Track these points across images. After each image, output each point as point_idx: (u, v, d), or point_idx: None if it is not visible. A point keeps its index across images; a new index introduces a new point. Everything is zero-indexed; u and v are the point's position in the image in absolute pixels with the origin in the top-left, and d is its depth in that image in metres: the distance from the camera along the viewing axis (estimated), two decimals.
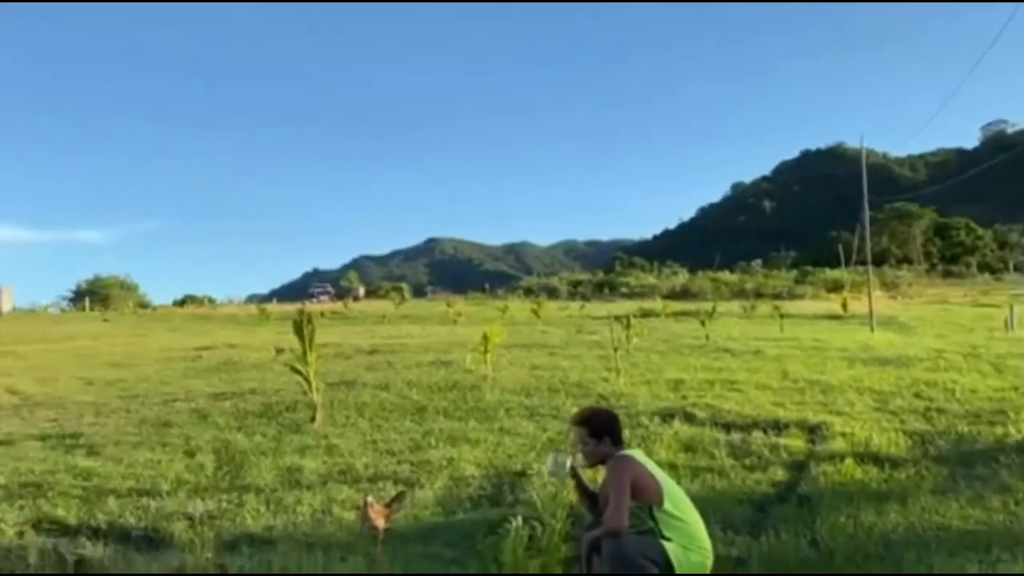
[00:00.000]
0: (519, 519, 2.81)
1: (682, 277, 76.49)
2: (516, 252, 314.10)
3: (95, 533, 5.23)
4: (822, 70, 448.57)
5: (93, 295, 61.28)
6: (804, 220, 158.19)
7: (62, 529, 5.36)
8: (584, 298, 60.31)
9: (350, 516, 5.43)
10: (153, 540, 5.09)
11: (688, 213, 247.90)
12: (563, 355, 14.99)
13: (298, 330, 8.84)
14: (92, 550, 4.86)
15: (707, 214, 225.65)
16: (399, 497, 5.04)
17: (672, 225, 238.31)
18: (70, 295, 64.74)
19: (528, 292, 70.04)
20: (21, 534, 5.25)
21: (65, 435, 8.44)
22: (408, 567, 4.32)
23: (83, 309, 55.49)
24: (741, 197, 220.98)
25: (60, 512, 5.66)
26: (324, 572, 4.24)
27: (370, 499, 4.85)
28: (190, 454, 7.37)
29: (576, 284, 78.90)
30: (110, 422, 9.22)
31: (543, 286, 73.58)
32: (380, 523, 4.74)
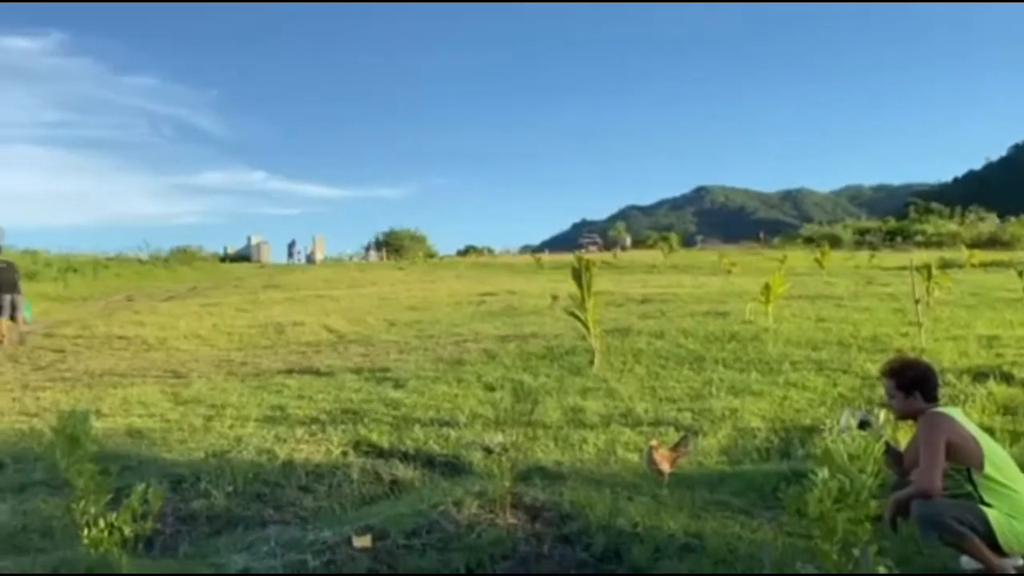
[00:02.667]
0: (825, 471, 2.66)
1: (990, 224, 67.76)
2: (793, 199, 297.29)
3: (405, 457, 5.81)
4: None
5: (388, 246, 67.32)
6: None
7: (377, 451, 6.01)
8: (872, 247, 55.64)
9: (634, 458, 5.53)
10: (455, 466, 5.55)
11: (997, 151, 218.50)
12: (852, 307, 13.98)
13: (576, 277, 9.07)
14: (404, 472, 5.40)
15: (1022, 151, 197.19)
16: (684, 442, 5.04)
17: (977, 165, 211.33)
18: (370, 245, 71.66)
19: (808, 241, 65.92)
20: (345, 453, 5.96)
21: (375, 369, 9.41)
22: (695, 511, 4.31)
23: (380, 258, 61.12)
24: None
25: (375, 436, 6.35)
26: (612, 507, 4.34)
27: (655, 442, 4.90)
28: (490, 388, 7.92)
29: (863, 232, 73.03)
30: (411, 359, 10.12)
31: (824, 235, 68.79)
32: (665, 467, 4.78)
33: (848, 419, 3.70)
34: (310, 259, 56.86)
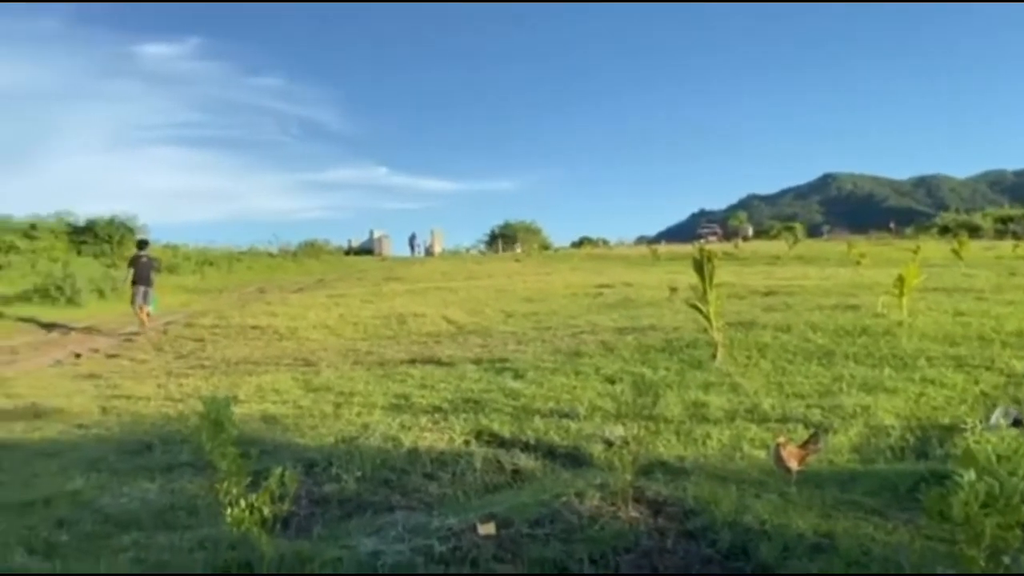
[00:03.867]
0: (971, 472, 2.51)
1: None
2: (927, 185, 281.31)
3: (525, 447, 5.86)
4: None
5: (504, 238, 67.89)
6: None
7: (498, 441, 6.09)
8: (1016, 237, 51.91)
9: (760, 454, 5.39)
10: (575, 458, 5.55)
11: None
12: (995, 301, 13.10)
13: (698, 268, 8.89)
14: (525, 461, 5.45)
15: None
16: (813, 439, 4.86)
17: None
18: (486, 238, 72.49)
19: (944, 231, 62.15)
20: (467, 442, 6.07)
21: (494, 359, 9.53)
22: (826, 511, 4.16)
23: (496, 251, 61.75)
24: None
25: (495, 426, 6.43)
26: (738, 504, 4.25)
27: (783, 439, 4.75)
28: (609, 381, 7.89)
29: (1006, 221, 68.19)
30: (529, 350, 10.19)
31: (962, 223, 64.66)
32: (793, 464, 4.62)
33: (999, 418, 3.49)
34: (428, 252, 58.09)
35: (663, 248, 47.55)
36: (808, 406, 6.66)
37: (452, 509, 4.34)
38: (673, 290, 15.86)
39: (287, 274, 33.25)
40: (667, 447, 5.64)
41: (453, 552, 3.65)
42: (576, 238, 74.72)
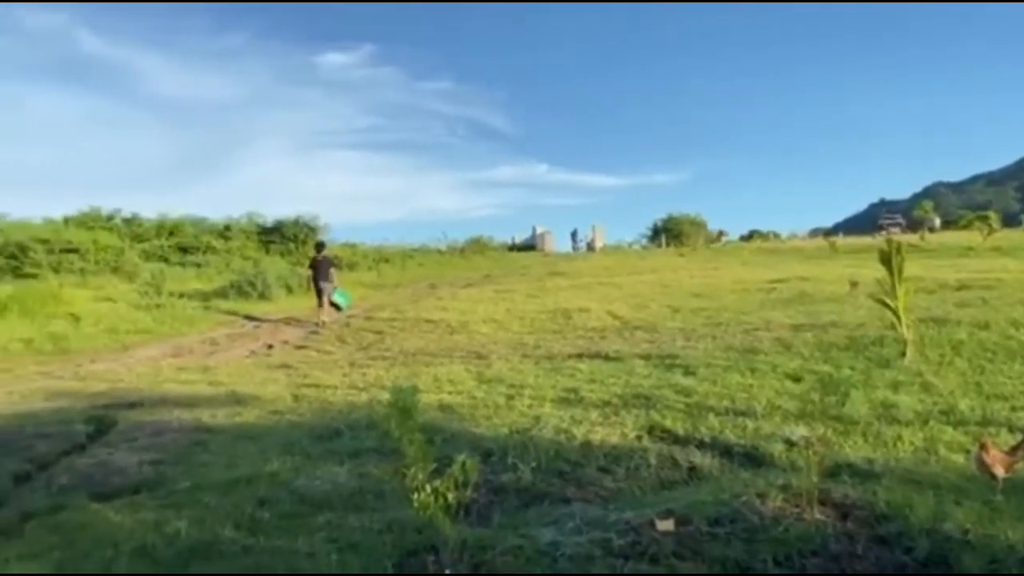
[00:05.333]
0: None
1: None
2: None
3: (700, 444, 5.74)
4: None
5: (667, 232, 66.75)
6: None
7: (671, 437, 6.00)
8: None
9: (958, 459, 5.01)
10: (754, 457, 5.38)
11: None
12: None
13: (885, 260, 8.37)
14: (701, 459, 5.35)
15: None
16: (1022, 445, 4.46)
17: None
18: (648, 233, 71.56)
19: None
20: (640, 438, 6.03)
21: (663, 356, 9.40)
22: None
23: (659, 245, 60.82)
24: None
25: (668, 422, 6.34)
26: (936, 510, 3.97)
27: (987, 443, 4.40)
28: (793, 379, 7.60)
29: None
30: (699, 346, 9.97)
31: None
32: (999, 470, 4.27)
33: None
34: (590, 247, 58.10)
35: (841, 240, 45.15)
36: (1013, 408, 6.12)
37: (628, 503, 4.34)
38: (854, 284, 15.03)
39: (456, 270, 34.29)
40: (854, 449, 5.34)
41: (632, 546, 3.65)
42: (745, 231, 72.29)
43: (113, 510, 4.68)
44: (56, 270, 25.18)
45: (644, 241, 68.89)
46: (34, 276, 24.17)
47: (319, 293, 17.35)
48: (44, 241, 26.45)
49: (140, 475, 5.67)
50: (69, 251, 26.38)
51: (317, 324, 16.74)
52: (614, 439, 5.91)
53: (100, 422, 7.83)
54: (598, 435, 6.00)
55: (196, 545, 4.01)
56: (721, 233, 64.25)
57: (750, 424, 6.09)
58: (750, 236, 67.63)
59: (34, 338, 15.31)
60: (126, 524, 4.40)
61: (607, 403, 7.18)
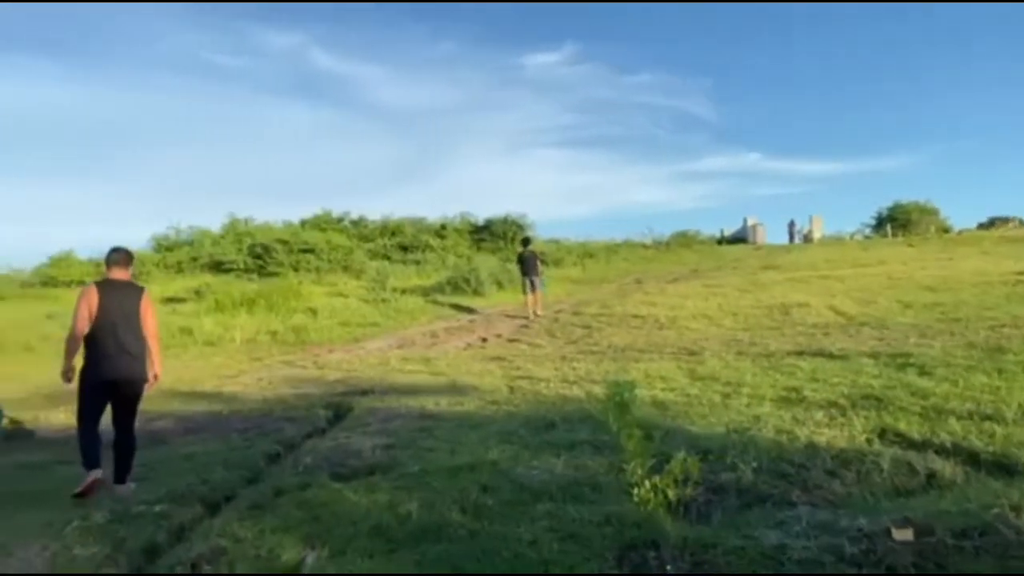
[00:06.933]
0: None
1: None
2: None
3: (940, 450, 5.31)
4: None
5: (893, 221, 61.92)
6: None
7: (906, 442, 5.59)
8: None
9: None
10: (1004, 466, 4.90)
11: None
12: None
13: None
14: (941, 466, 4.94)
15: None
16: None
17: None
18: (872, 222, 66.75)
19: None
20: (870, 441, 5.67)
21: (894, 354, 8.77)
22: None
23: (884, 235, 56.59)
24: None
25: (902, 425, 5.92)
26: None
27: None
28: None
29: None
30: (935, 344, 9.21)
31: None
32: None
33: None
34: (807, 239, 55.12)
35: None
36: None
37: (860, 509, 4.10)
38: None
39: (662, 264, 33.81)
40: None
41: (865, 554, 3.46)
42: (984, 219, 65.42)
43: (351, 490, 5.06)
44: (295, 268, 27.75)
45: (867, 231, 64.40)
46: (276, 274, 26.76)
47: (530, 286, 17.84)
48: (284, 242, 29.23)
49: (374, 458, 6.10)
50: (306, 251, 28.97)
51: (527, 318, 17.19)
52: (841, 442, 5.60)
53: (338, 408, 8.55)
54: (823, 437, 5.72)
55: (426, 526, 4.26)
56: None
57: (999, 430, 5.55)
58: (990, 223, 61.14)
59: (279, 330, 16.94)
60: (363, 503, 4.74)
61: (832, 403, 6.82)
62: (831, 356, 9.14)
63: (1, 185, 71.33)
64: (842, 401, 6.85)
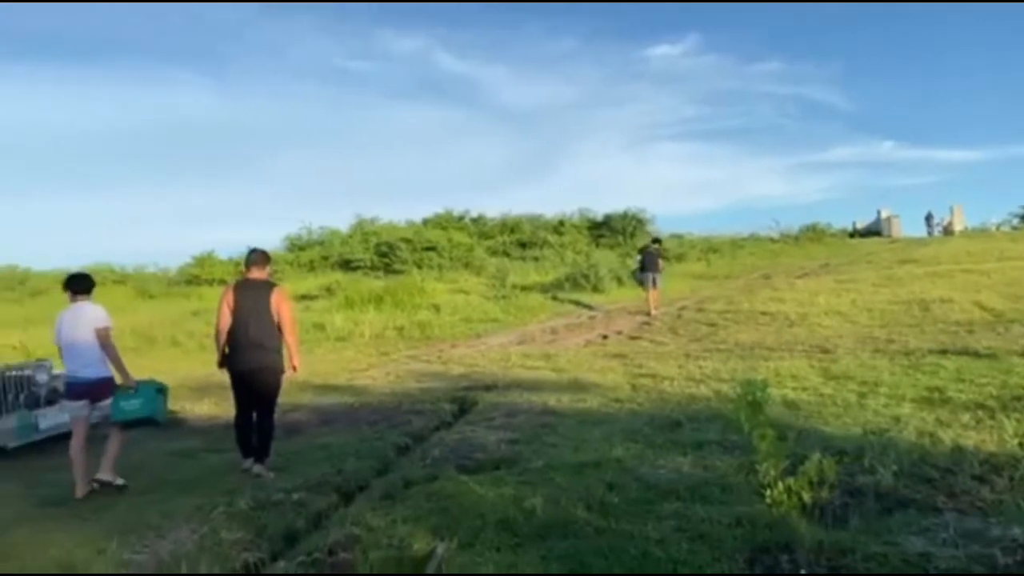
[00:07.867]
0: None
1: None
2: None
3: None
4: None
5: None
6: None
7: None
8: None
9: None
10: None
11: None
12: None
13: None
14: None
15: None
16: None
17: None
18: (1021, 212, 62.26)
19: None
20: (1022, 445, 5.30)
21: None
22: None
23: None
24: None
25: None
26: None
27: None
28: None
29: None
30: None
31: None
32: None
33: None
34: (947, 231, 51.91)
35: None
36: None
37: (1014, 518, 3.85)
38: None
39: (790, 259, 32.69)
40: None
41: (1021, 566, 3.25)
42: None
43: (478, 483, 5.14)
44: (419, 266, 28.51)
45: (1015, 222, 60.20)
46: (401, 272, 27.56)
47: (652, 283, 17.60)
48: (408, 241, 30.11)
49: (499, 452, 6.19)
50: (428, 249, 29.75)
51: (648, 315, 16.99)
52: (990, 445, 5.27)
53: (462, 402, 8.73)
54: (971, 440, 5.39)
55: (552, 522, 4.28)
56: None
57: None
58: None
59: (404, 326, 17.44)
60: (489, 497, 4.81)
61: (980, 405, 6.42)
62: (977, 355, 8.61)
63: (150, 190, 76.52)
64: (991, 403, 6.45)
